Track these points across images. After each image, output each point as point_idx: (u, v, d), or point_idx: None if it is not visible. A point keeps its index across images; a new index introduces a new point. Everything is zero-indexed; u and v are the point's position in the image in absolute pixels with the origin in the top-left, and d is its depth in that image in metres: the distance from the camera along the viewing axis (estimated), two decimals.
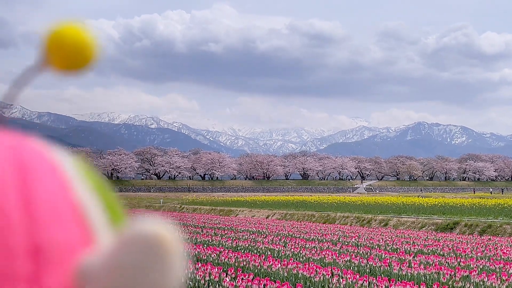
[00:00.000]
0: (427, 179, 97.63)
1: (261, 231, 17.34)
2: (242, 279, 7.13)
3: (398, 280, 7.55)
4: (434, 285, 7.02)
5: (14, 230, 0.38)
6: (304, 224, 21.37)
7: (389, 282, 7.02)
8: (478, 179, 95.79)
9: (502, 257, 10.48)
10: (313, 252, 10.68)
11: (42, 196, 0.41)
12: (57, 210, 0.41)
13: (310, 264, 8.81)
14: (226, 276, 7.45)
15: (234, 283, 6.98)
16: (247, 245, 12.31)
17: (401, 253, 10.62)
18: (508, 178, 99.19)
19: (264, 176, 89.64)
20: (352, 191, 75.28)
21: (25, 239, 0.39)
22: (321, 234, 15.87)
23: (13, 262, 0.37)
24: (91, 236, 0.42)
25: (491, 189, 75.06)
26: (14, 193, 0.39)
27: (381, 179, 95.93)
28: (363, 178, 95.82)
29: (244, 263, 9.16)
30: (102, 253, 0.40)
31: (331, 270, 8.18)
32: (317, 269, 8.08)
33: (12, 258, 0.38)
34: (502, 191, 70.99)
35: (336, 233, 16.45)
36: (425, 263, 9.34)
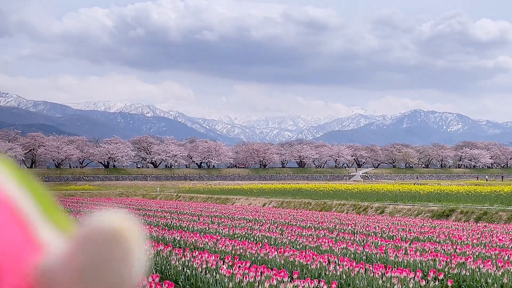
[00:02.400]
0: (423, 167, 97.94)
1: (257, 219, 17.38)
2: (239, 266, 7.15)
3: (394, 267, 7.58)
4: (430, 272, 7.05)
5: None
6: (301, 212, 21.43)
7: (385, 269, 7.05)
8: (474, 166, 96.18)
9: (498, 244, 10.53)
10: (309, 239, 10.71)
11: None
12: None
13: (307, 252, 8.83)
14: (223, 264, 7.46)
15: (231, 271, 7.00)
16: (244, 233, 12.34)
17: (397, 240, 10.66)
18: (503, 165, 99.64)
19: (260, 164, 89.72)
20: (349, 179, 75.48)
21: None
22: (317, 222, 15.91)
23: None
24: (32, 234, 0.40)
25: (487, 176, 75.41)
26: None
27: (377, 167, 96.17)
28: (359, 166, 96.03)
29: (241, 251, 9.18)
30: (60, 252, 0.38)
31: (328, 257, 8.22)
32: (314, 257, 8.10)
33: None
34: (502, 178, 71.27)
35: (333, 220, 16.50)
36: (421, 250, 9.38)
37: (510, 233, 12.63)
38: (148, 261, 0.39)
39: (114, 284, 0.37)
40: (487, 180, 67.24)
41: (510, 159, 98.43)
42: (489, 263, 7.50)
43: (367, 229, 13.63)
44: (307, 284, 6.32)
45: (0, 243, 0.36)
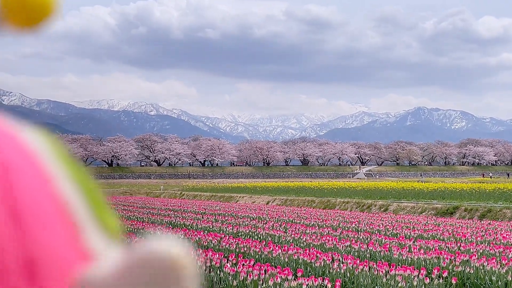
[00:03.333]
0: (426, 164, 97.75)
1: (261, 217, 17.39)
2: (243, 264, 7.16)
3: (398, 265, 7.58)
4: (434, 270, 7.05)
5: (4, 244, 0.35)
6: (304, 209, 21.43)
7: (389, 267, 7.05)
8: (478, 163, 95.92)
9: (502, 241, 10.51)
10: (313, 237, 10.72)
11: (29, 202, 0.37)
12: (46, 216, 0.37)
13: (311, 250, 8.84)
14: (227, 262, 7.48)
15: (235, 269, 7.01)
16: (247, 231, 12.35)
17: (401, 238, 10.66)
18: (508, 163, 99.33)
19: (264, 162, 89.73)
20: (352, 177, 75.42)
21: (18, 253, 0.35)
22: (321, 220, 15.91)
23: (8, 278, 0.34)
24: (80, 237, 0.39)
25: (490, 174, 75.20)
26: (4, 215, 0.35)
27: (380, 165, 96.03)
28: (363, 163, 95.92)
29: (245, 249, 9.19)
30: (109, 269, 0.37)
31: (332, 255, 8.22)
32: (318, 255, 8.11)
33: (6, 275, 0.34)
34: (508, 175, 70.99)
35: (336, 218, 16.49)
36: (425, 248, 9.37)
37: None
38: None
39: None
40: (491, 177, 67.04)
41: None
42: (493, 260, 7.48)
43: (371, 227, 13.62)
44: (311, 282, 6.32)
45: (44, 247, 0.36)
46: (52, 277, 0.36)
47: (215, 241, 10.11)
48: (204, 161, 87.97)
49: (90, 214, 0.39)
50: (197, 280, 0.38)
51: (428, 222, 15.16)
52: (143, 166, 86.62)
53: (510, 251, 8.74)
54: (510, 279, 6.98)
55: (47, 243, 0.36)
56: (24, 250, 0.35)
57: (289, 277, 6.38)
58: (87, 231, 0.39)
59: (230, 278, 6.88)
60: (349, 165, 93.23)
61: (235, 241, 9.72)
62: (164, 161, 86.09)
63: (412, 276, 6.78)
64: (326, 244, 9.79)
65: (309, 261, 7.98)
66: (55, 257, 0.36)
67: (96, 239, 0.39)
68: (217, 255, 7.81)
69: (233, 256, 7.93)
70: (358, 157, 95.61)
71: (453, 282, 6.82)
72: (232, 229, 12.84)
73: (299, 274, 6.71)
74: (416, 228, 13.02)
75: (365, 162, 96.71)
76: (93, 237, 0.39)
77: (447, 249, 9.35)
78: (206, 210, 21.29)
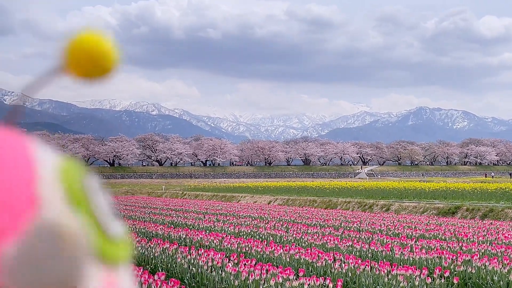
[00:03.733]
0: (428, 164, 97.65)
1: (263, 216, 17.39)
2: (245, 264, 7.16)
3: (400, 264, 7.57)
4: (436, 270, 7.04)
5: None
6: (306, 209, 21.43)
7: (391, 267, 7.04)
8: (480, 163, 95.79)
9: (504, 241, 10.49)
10: (315, 237, 10.72)
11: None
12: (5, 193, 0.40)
13: (312, 249, 8.84)
14: (229, 262, 7.48)
15: (237, 269, 7.01)
16: (249, 231, 12.36)
17: (402, 238, 10.65)
18: (510, 162, 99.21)
19: (265, 162, 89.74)
20: (354, 177, 75.37)
21: None
22: (323, 220, 15.90)
23: None
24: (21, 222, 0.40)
25: (492, 174, 75.08)
26: None
27: (382, 164, 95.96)
28: (364, 163, 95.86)
29: (247, 248, 9.20)
30: (17, 243, 0.39)
31: (333, 255, 8.21)
32: (319, 254, 8.11)
33: None
34: (511, 175, 70.82)
35: (338, 218, 16.49)
36: (427, 247, 9.37)
37: None
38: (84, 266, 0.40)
39: (54, 277, 0.37)
40: (492, 177, 66.92)
41: None
42: (495, 260, 7.47)
43: (373, 226, 13.62)
44: (312, 282, 6.32)
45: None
46: None
47: (217, 241, 10.12)
48: (206, 161, 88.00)
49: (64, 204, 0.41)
50: (86, 247, 0.39)
51: (430, 222, 15.15)
52: (144, 166, 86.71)
53: None
54: None
55: None
56: None
57: (291, 277, 6.38)
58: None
59: (232, 278, 6.88)
60: (350, 165, 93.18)
61: (237, 241, 9.72)
62: (165, 161, 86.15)
63: (414, 276, 6.78)
64: (328, 244, 9.79)
65: (310, 261, 7.98)
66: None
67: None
68: (219, 255, 7.82)
69: (235, 256, 7.94)
70: (359, 157, 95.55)
71: (455, 282, 6.82)
72: (234, 229, 12.84)
73: (300, 274, 6.71)
74: (417, 228, 13.01)
75: (367, 162, 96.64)
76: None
77: (448, 249, 9.34)
78: (208, 210, 21.30)
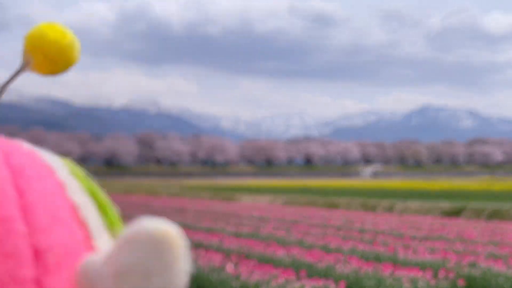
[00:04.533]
0: (433, 164, 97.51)
1: (264, 217, 17.26)
2: (245, 265, 7.04)
3: (404, 266, 7.44)
4: (440, 271, 6.91)
5: (16, 237, 0.39)
6: (308, 210, 21.29)
7: (395, 268, 6.92)
8: (485, 163, 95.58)
9: (510, 242, 10.34)
10: (317, 238, 10.58)
11: (39, 201, 0.42)
12: (54, 215, 0.42)
13: (314, 250, 8.71)
14: (229, 263, 7.36)
15: (237, 270, 6.89)
16: (250, 231, 12.23)
17: (406, 239, 10.51)
18: None
19: (266, 161, 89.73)
20: (357, 176, 75.28)
21: (27, 245, 0.40)
22: (325, 220, 15.76)
23: (18, 267, 0.39)
24: (90, 238, 0.43)
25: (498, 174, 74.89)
26: (12, 201, 0.41)
27: (386, 164, 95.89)
28: (367, 163, 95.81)
29: (247, 249, 9.07)
30: (104, 253, 0.40)
31: (336, 256, 8.08)
32: (322, 255, 7.98)
33: (16, 264, 0.39)
34: None
35: (340, 219, 16.35)
36: (431, 249, 9.23)
37: None
38: (190, 271, 0.41)
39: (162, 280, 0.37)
40: (497, 177, 66.71)
41: None
42: (501, 262, 7.34)
43: (376, 227, 13.47)
44: (314, 283, 6.19)
45: (51, 239, 0.41)
46: (57, 264, 0.40)
47: (217, 241, 9.99)
48: (206, 159, 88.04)
49: (97, 216, 0.44)
50: (187, 252, 0.40)
51: (434, 222, 15.00)
52: (143, 164, 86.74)
53: None
54: None
55: (53, 236, 0.40)
56: (33, 241, 0.40)
57: (292, 278, 6.26)
58: (94, 230, 0.43)
59: (232, 279, 6.76)
60: (353, 165, 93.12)
61: (237, 242, 9.59)
62: (164, 160, 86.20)
63: (418, 278, 6.65)
64: (330, 244, 9.66)
65: (312, 262, 7.86)
66: (60, 248, 0.40)
67: (103, 237, 0.43)
68: (219, 256, 7.68)
69: (235, 257, 7.80)
70: (362, 156, 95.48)
71: (460, 284, 6.67)
72: (234, 229, 12.71)
73: (302, 275, 6.58)
74: (421, 229, 12.87)
75: (370, 161, 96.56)
76: (100, 236, 0.43)
77: (453, 250, 9.20)
78: (207, 209, 21.19)
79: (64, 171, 0.45)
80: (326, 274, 7.50)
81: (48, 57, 0.47)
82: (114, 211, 0.45)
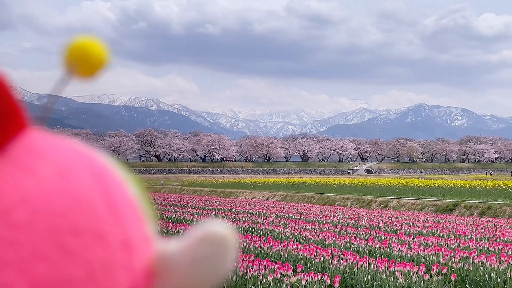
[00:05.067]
0: (427, 161, 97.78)
1: (261, 212, 17.40)
2: (243, 260, 7.16)
3: (398, 261, 7.59)
4: (434, 266, 7.05)
5: (111, 229, 0.48)
6: (304, 205, 21.45)
7: (389, 263, 7.05)
8: (478, 161, 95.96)
9: (502, 238, 10.51)
10: (313, 233, 10.72)
11: (119, 198, 0.51)
12: (131, 210, 0.51)
13: (310, 246, 8.85)
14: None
15: (235, 264, 7.01)
16: (247, 227, 12.36)
17: (400, 235, 10.67)
18: (508, 160, 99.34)
19: (264, 158, 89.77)
20: (352, 173, 75.43)
21: (119, 235, 0.49)
22: (321, 216, 15.92)
23: (113, 254, 0.48)
24: (148, 229, 0.53)
25: (491, 171, 75.19)
26: (101, 199, 0.49)
27: (381, 161, 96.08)
28: (363, 160, 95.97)
29: (245, 244, 9.20)
30: (178, 245, 0.52)
31: (331, 251, 8.22)
32: (318, 250, 8.12)
33: (112, 251, 0.47)
34: None
35: (336, 214, 16.50)
36: (425, 244, 9.38)
37: None
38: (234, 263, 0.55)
39: (213, 273, 0.50)
40: (491, 174, 66.99)
41: None
42: (493, 257, 7.49)
43: (371, 223, 13.63)
44: (310, 277, 6.33)
45: (133, 230, 0.50)
46: (141, 251, 0.50)
47: None
48: (205, 156, 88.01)
49: (146, 210, 0.54)
50: (235, 255, 0.52)
51: (428, 218, 15.17)
52: (143, 161, 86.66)
53: (510, 248, 8.75)
54: (510, 276, 6.99)
55: (134, 228, 0.50)
56: (123, 232, 0.49)
57: (289, 273, 6.38)
58: (148, 222, 0.54)
59: (230, 273, 6.88)
60: (349, 162, 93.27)
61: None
62: (164, 156, 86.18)
63: (412, 273, 6.78)
64: (326, 240, 9.80)
65: (308, 256, 7.99)
66: (140, 237, 0.50)
67: (151, 227, 0.54)
68: None
69: None
70: (358, 153, 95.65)
71: (452, 278, 6.83)
72: (232, 225, 12.83)
73: (298, 270, 6.71)
74: (415, 225, 13.03)
75: (365, 158, 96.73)
76: (150, 226, 0.54)
77: (446, 245, 9.35)
78: (206, 205, 21.31)
79: (123, 172, 0.55)
80: (322, 268, 7.65)
81: (90, 68, 0.55)
82: (149, 203, 0.56)
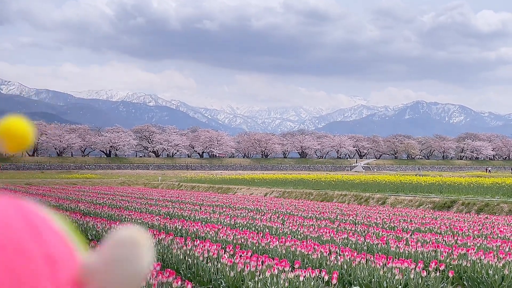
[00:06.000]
0: (425, 158, 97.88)
1: (259, 208, 17.39)
2: (241, 256, 7.16)
3: (396, 257, 7.58)
4: (432, 263, 7.05)
5: (32, 246, 0.61)
6: (302, 202, 21.45)
7: (387, 260, 7.05)
8: (476, 158, 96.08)
9: (499, 235, 10.52)
10: (311, 229, 10.72)
11: (41, 224, 0.64)
12: (52, 233, 0.64)
13: (308, 242, 8.84)
14: (224, 253, 7.47)
15: (233, 260, 7.01)
16: (245, 223, 12.35)
17: (398, 231, 10.67)
18: (505, 157, 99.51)
19: (262, 154, 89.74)
20: (350, 170, 75.46)
21: (41, 251, 0.61)
22: (319, 212, 15.92)
23: (37, 266, 0.60)
24: (76, 251, 0.66)
25: (489, 168, 75.27)
26: (22, 223, 0.63)
27: (379, 158, 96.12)
28: (361, 156, 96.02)
29: (242, 240, 9.19)
30: (96, 253, 0.63)
31: (329, 247, 8.21)
32: (315, 247, 8.11)
33: (35, 264, 0.60)
34: None
35: (334, 211, 16.50)
36: (422, 241, 9.38)
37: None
38: (152, 262, 0.65)
39: (130, 274, 0.59)
40: (489, 171, 67.06)
41: None
42: (491, 254, 7.49)
43: (369, 219, 13.64)
44: (308, 273, 6.32)
45: (57, 249, 0.63)
46: (66, 265, 0.62)
47: (213, 232, 10.11)
48: (203, 152, 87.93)
49: (69, 234, 0.67)
50: (151, 249, 0.61)
51: (426, 215, 15.18)
52: (141, 157, 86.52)
53: (507, 245, 8.76)
54: (507, 272, 6.99)
55: (56, 246, 0.63)
56: (45, 249, 0.61)
57: (286, 269, 6.37)
58: (71, 242, 0.66)
59: (228, 269, 6.88)
60: (347, 158, 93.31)
61: (233, 233, 9.71)
62: (162, 152, 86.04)
63: (409, 269, 6.78)
64: (324, 236, 9.80)
65: (306, 253, 7.99)
66: (63, 254, 0.63)
67: (76, 245, 0.67)
68: (215, 246, 7.80)
69: (231, 247, 7.93)
70: (356, 150, 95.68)
71: (450, 275, 6.82)
72: (230, 221, 12.84)
73: (296, 266, 6.71)
74: (413, 222, 13.04)
75: (363, 155, 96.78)
76: (74, 245, 0.67)
77: (444, 242, 9.36)
78: (204, 201, 21.29)
79: (53, 217, 0.68)
80: (319, 265, 7.64)
81: (15, 145, 0.71)
82: (80, 238, 0.71)
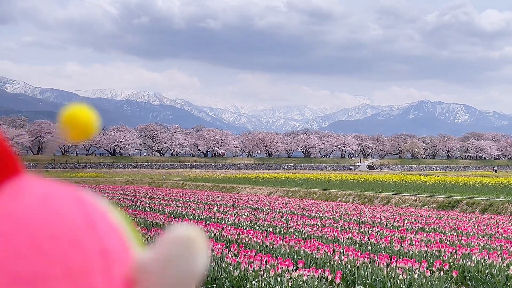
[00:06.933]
0: (429, 158, 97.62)
1: (263, 208, 17.41)
2: (244, 255, 7.17)
3: (399, 257, 7.58)
4: (435, 263, 7.04)
5: (88, 239, 0.59)
6: (306, 201, 21.45)
7: (390, 260, 7.05)
8: (481, 157, 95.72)
9: (503, 235, 10.50)
10: (314, 229, 10.73)
11: (98, 218, 0.62)
12: (109, 227, 0.63)
13: (312, 241, 8.85)
14: (228, 252, 7.50)
15: (237, 259, 7.03)
16: (249, 222, 12.37)
17: (402, 231, 10.66)
18: (510, 157, 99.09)
19: (266, 153, 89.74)
20: (354, 169, 75.36)
21: (96, 245, 0.59)
22: (323, 212, 15.92)
23: (91, 259, 0.58)
24: (132, 247, 0.64)
25: (495, 168, 74.98)
26: (80, 216, 0.61)
27: (383, 157, 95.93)
28: (365, 156, 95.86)
29: (246, 239, 9.21)
30: (151, 250, 0.61)
31: (333, 247, 8.22)
32: (319, 246, 8.12)
33: (89, 257, 0.58)
34: None
35: (338, 210, 16.50)
36: (426, 241, 9.37)
37: None
38: (207, 262, 0.63)
39: (185, 273, 0.58)
40: (496, 171, 66.78)
41: None
42: (495, 254, 7.48)
43: (373, 219, 13.63)
44: (312, 273, 6.34)
45: (112, 244, 0.61)
46: (120, 261, 0.60)
47: (217, 232, 10.14)
48: (207, 151, 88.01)
49: (127, 229, 0.66)
50: (206, 255, 0.59)
51: (430, 215, 15.16)
52: (145, 155, 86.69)
53: (511, 245, 8.74)
54: (511, 273, 6.98)
55: (112, 240, 0.61)
56: (100, 242, 0.60)
57: (290, 268, 6.39)
58: (128, 237, 0.65)
59: (232, 268, 6.90)
60: (351, 158, 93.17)
61: (237, 232, 9.74)
62: (166, 151, 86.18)
63: (413, 269, 6.78)
64: (327, 235, 9.80)
65: (310, 252, 7.99)
66: (118, 249, 0.61)
67: (132, 242, 0.65)
68: (219, 246, 7.83)
69: (235, 247, 7.95)
70: (360, 149, 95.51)
71: (454, 275, 6.82)
72: (234, 220, 12.86)
73: (300, 265, 6.72)
74: (417, 221, 13.02)
75: (368, 154, 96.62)
76: (130, 241, 0.65)
77: (448, 242, 9.35)
78: (208, 200, 21.33)
79: (111, 210, 0.66)
80: (323, 264, 7.65)
81: (79, 133, 0.68)
82: (136, 233, 0.69)
